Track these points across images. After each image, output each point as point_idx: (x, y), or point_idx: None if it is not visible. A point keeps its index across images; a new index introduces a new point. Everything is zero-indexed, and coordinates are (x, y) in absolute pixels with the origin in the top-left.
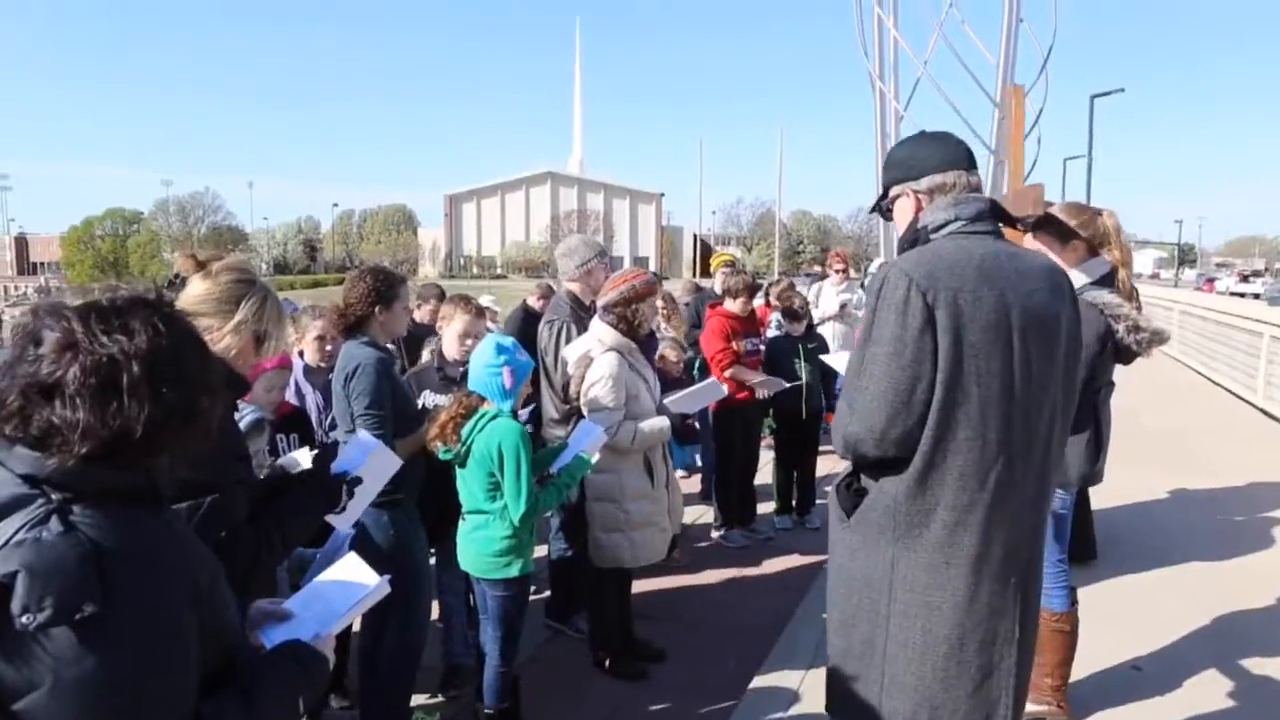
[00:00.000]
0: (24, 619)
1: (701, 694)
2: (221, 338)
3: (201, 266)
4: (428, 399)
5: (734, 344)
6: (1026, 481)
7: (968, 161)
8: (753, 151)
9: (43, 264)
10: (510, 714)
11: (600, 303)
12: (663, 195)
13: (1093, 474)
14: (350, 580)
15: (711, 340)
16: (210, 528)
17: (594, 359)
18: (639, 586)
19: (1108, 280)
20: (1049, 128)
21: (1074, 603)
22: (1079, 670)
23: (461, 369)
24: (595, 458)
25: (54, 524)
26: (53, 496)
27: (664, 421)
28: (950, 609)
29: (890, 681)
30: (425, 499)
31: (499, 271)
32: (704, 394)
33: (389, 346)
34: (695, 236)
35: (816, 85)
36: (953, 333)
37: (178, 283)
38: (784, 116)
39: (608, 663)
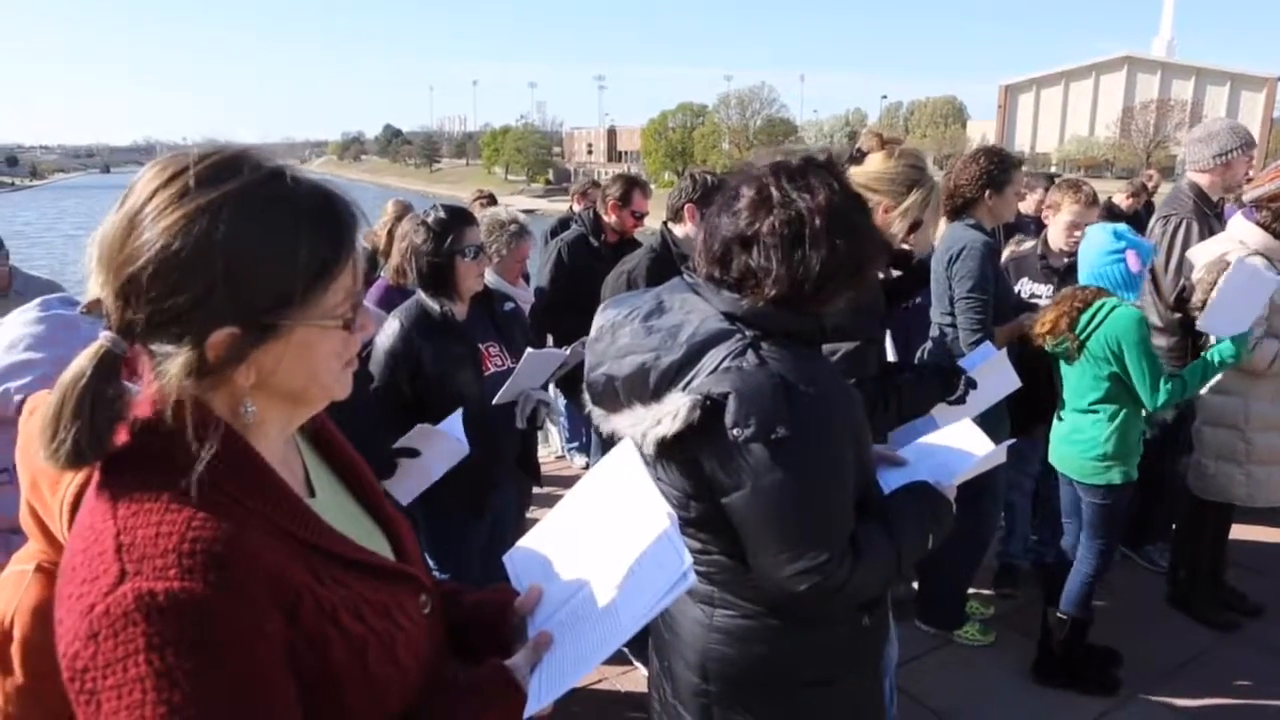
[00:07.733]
0: (734, 432)
1: None
2: (890, 217)
3: (885, 145)
4: (1024, 287)
5: None
6: None
7: None
8: None
9: (626, 152)
10: (1084, 627)
11: (1249, 196)
12: (1279, 79)
13: None
14: (964, 442)
15: None
16: (846, 373)
17: (1231, 263)
18: (1235, 531)
19: None
20: None
21: None
22: None
23: (1066, 260)
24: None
25: (750, 357)
26: (746, 333)
27: None
28: None
29: None
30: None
31: (1053, 170)
32: None
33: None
34: None
35: None
36: None
37: (858, 156)
38: None
39: (1189, 603)
